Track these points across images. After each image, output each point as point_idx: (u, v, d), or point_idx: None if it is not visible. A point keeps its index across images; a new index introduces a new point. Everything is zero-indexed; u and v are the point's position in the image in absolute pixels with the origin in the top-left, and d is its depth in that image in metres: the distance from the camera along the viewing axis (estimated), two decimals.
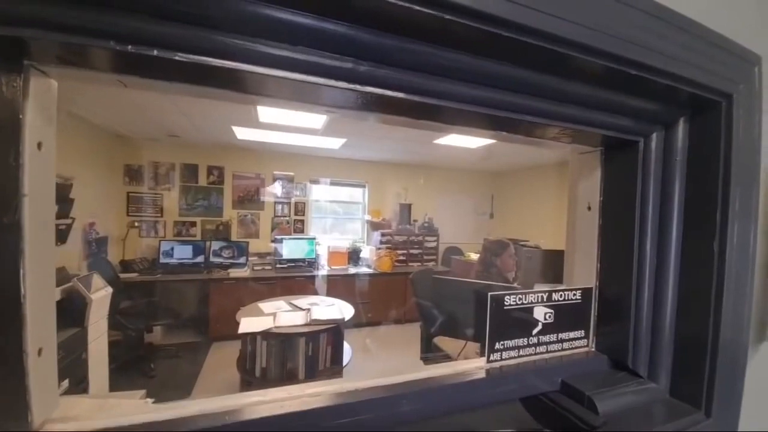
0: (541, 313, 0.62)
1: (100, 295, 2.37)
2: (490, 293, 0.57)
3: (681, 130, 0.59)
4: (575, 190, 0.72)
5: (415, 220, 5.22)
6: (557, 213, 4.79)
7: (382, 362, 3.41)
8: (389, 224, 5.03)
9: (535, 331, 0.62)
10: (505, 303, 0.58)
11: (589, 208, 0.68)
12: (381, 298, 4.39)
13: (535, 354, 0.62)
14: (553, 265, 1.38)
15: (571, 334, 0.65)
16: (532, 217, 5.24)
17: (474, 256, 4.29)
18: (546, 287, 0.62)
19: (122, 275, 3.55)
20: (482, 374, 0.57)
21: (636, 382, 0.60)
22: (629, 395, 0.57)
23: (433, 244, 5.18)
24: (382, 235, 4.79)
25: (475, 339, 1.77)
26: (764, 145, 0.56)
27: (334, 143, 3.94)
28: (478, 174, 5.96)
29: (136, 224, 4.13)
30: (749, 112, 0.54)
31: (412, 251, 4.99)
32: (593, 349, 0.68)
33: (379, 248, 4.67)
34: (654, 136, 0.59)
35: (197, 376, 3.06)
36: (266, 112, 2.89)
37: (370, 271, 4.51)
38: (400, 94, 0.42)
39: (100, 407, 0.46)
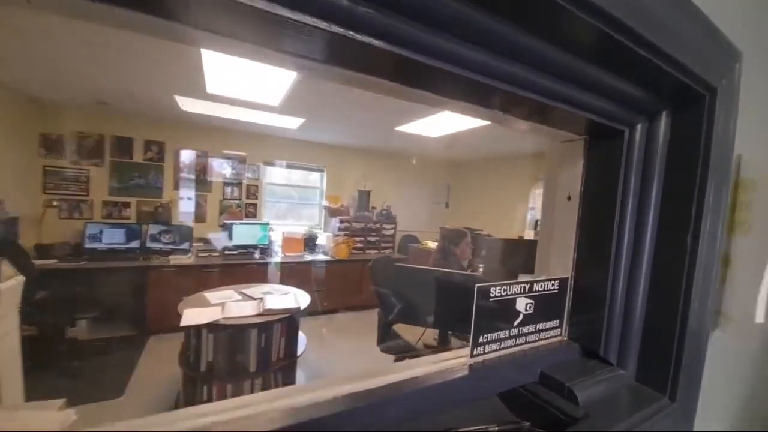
0: (522, 303, 0.60)
1: (8, 285, 2.01)
2: (477, 285, 0.53)
3: (663, 122, 0.59)
4: (555, 180, 0.71)
5: (373, 207, 5.18)
6: (509, 204, 5.05)
7: (338, 351, 3.38)
8: (347, 211, 4.94)
9: (516, 323, 0.60)
10: (491, 294, 0.55)
11: (569, 198, 0.67)
12: (337, 285, 4.32)
13: (515, 346, 0.60)
14: (512, 254, 1.43)
15: (548, 324, 0.64)
16: (484, 207, 5.47)
17: (431, 244, 4.37)
18: (527, 277, 0.60)
19: (38, 262, 3.06)
20: (466, 370, 0.53)
21: (607, 370, 0.61)
22: (604, 383, 0.58)
23: (391, 232, 5.19)
24: (341, 221, 4.68)
25: (435, 326, 1.79)
26: (737, 145, 0.58)
27: (291, 123, 3.72)
28: (435, 164, 6.06)
29: (55, 203, 3.58)
30: (728, 109, 0.55)
31: (369, 238, 4.96)
32: (566, 338, 0.68)
33: (337, 235, 4.57)
34: (639, 126, 0.59)
35: (131, 374, 2.78)
36: (216, 82, 2.61)
37: (327, 258, 4.41)
38: (402, 51, 0.35)
39: (10, 420, 0.37)
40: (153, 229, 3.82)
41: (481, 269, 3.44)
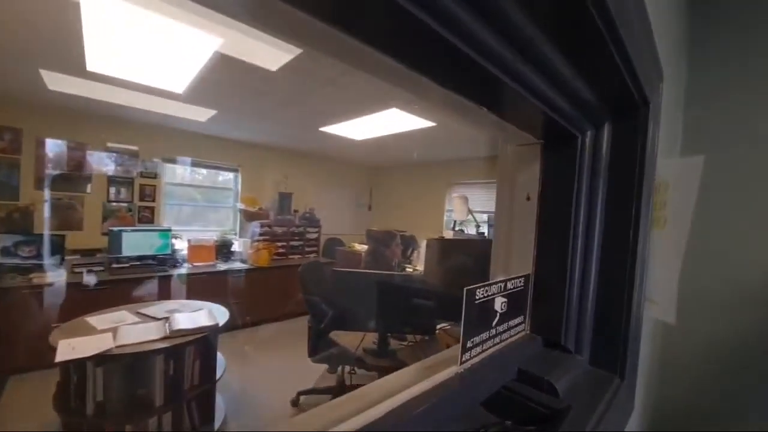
0: (499, 303, 0.60)
1: None
2: (466, 288, 0.51)
3: (607, 131, 0.66)
4: (512, 181, 0.74)
5: (296, 211, 4.93)
6: (428, 207, 5.34)
7: (264, 369, 3.09)
8: (267, 214, 4.59)
9: (494, 322, 0.60)
10: (476, 296, 0.54)
11: (528, 198, 0.71)
12: (259, 296, 3.97)
13: (494, 346, 0.60)
14: (449, 253, 1.49)
15: (516, 321, 0.66)
16: (406, 210, 5.69)
17: (358, 247, 4.35)
18: (502, 276, 0.61)
19: None
20: (456, 382, 0.51)
21: (569, 358, 0.66)
22: (572, 371, 0.62)
23: (315, 236, 5.01)
24: (261, 226, 4.33)
25: (375, 329, 1.76)
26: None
27: (199, 114, 3.28)
28: (358, 167, 6.09)
29: None
30: (656, 121, 0.65)
31: (292, 243, 4.69)
32: (528, 332, 0.71)
33: (256, 240, 4.21)
34: (588, 133, 0.65)
35: None
36: (99, 57, 2.13)
37: (245, 266, 4.01)
38: None
39: None
40: (6, 240, 2.95)
41: (408, 269, 3.55)
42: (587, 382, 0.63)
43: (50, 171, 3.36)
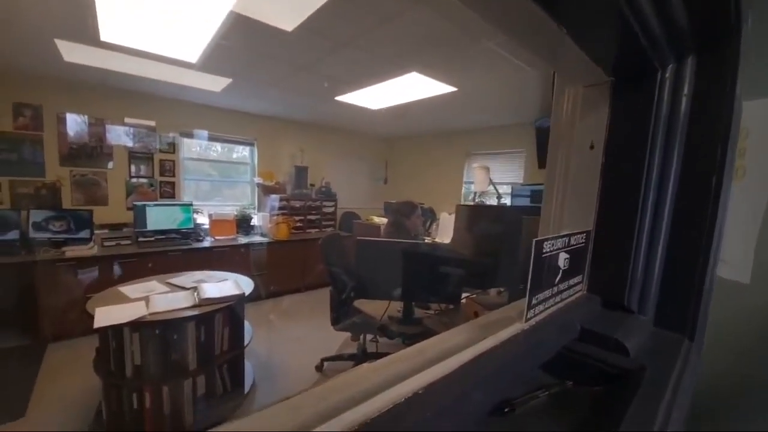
0: (563, 259, 0.55)
1: None
2: (534, 240, 0.46)
3: (690, 64, 0.57)
4: (572, 129, 0.67)
5: (312, 184, 4.90)
6: (446, 178, 5.23)
7: (289, 337, 3.18)
8: (283, 188, 4.58)
9: (557, 279, 0.55)
10: (544, 250, 0.49)
11: (592, 147, 0.64)
12: (281, 267, 4.04)
13: (555, 305, 0.56)
14: (478, 220, 1.44)
15: (575, 279, 0.62)
16: (422, 183, 5.59)
17: (377, 220, 4.33)
18: (567, 231, 0.56)
19: None
20: (522, 339, 0.47)
21: (632, 318, 0.61)
22: (637, 332, 0.57)
23: (332, 209, 5.00)
24: (280, 200, 4.33)
25: (401, 298, 1.75)
26: None
27: (214, 83, 3.19)
28: (372, 139, 5.96)
29: None
30: (747, 55, 0.55)
31: (309, 217, 4.71)
32: (585, 292, 0.66)
33: (275, 215, 4.23)
34: (670, 67, 0.56)
35: (32, 389, 2.24)
36: (112, 26, 2.07)
37: (266, 239, 4.06)
38: None
39: None
40: (36, 216, 3.05)
41: (427, 240, 3.52)
42: (655, 342, 0.58)
43: (73, 146, 3.41)
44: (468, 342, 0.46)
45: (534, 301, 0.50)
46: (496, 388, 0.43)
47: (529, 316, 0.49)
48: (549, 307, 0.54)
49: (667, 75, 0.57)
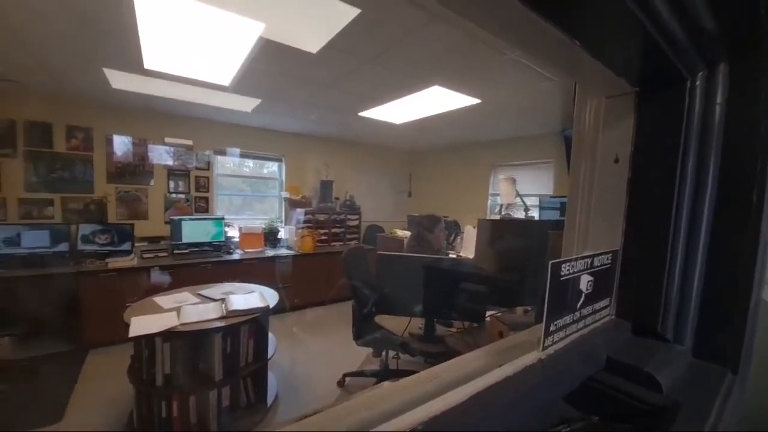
0: (585, 282, 0.52)
1: None
2: (551, 262, 0.44)
3: (722, 72, 0.53)
4: (595, 141, 0.64)
5: (336, 198, 4.98)
6: (470, 191, 5.14)
7: (312, 351, 3.19)
8: (309, 202, 4.69)
9: (578, 304, 0.52)
10: (562, 273, 0.46)
11: (617, 161, 0.60)
12: (305, 280, 4.10)
13: (577, 331, 0.52)
14: (502, 235, 1.39)
15: (601, 303, 0.57)
16: (446, 196, 5.52)
17: (400, 233, 4.31)
18: (590, 251, 0.52)
19: None
20: (539, 369, 0.44)
21: (667, 347, 0.56)
22: (673, 363, 0.52)
23: (356, 223, 5.05)
24: (305, 213, 4.44)
25: (422, 315, 1.71)
26: None
27: (245, 104, 3.38)
28: (396, 152, 6.00)
29: None
30: None
31: (334, 230, 4.77)
32: (613, 316, 0.62)
33: (301, 228, 4.32)
34: (700, 75, 0.53)
35: (70, 394, 2.38)
36: (155, 54, 2.25)
37: (291, 252, 4.15)
38: None
39: None
40: (85, 229, 3.30)
41: (451, 255, 3.45)
42: (693, 375, 0.53)
43: (119, 165, 3.68)
44: (484, 368, 0.43)
45: (552, 328, 0.47)
46: (512, 420, 0.40)
47: (546, 344, 0.46)
48: (570, 334, 0.50)
49: (698, 83, 0.53)
